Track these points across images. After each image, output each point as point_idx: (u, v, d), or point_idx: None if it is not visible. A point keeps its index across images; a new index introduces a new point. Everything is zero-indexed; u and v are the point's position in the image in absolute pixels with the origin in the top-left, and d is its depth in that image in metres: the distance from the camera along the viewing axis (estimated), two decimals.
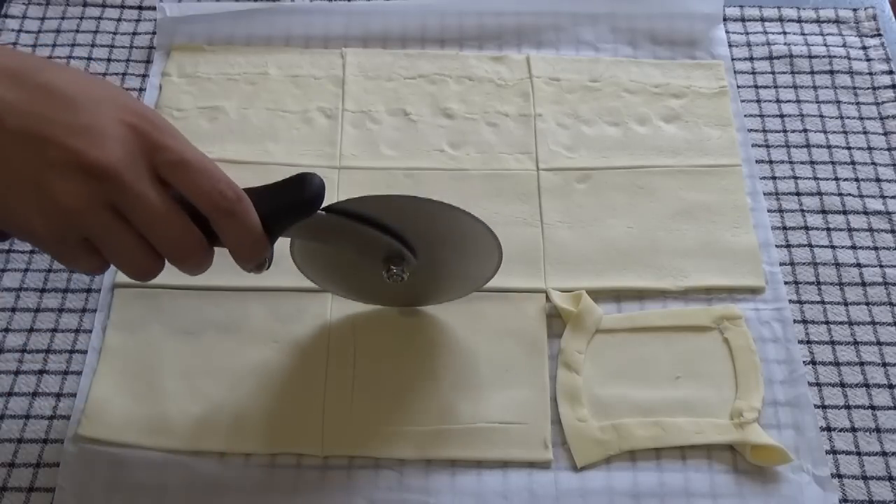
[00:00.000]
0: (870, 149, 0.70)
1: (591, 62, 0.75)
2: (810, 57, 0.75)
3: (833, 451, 0.57)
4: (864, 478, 0.56)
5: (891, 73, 0.74)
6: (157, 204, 0.43)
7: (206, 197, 0.44)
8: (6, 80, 0.42)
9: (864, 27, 0.77)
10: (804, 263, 0.64)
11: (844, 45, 0.76)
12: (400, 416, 0.57)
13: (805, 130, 0.71)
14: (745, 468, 0.56)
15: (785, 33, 0.77)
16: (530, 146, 0.69)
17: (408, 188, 0.66)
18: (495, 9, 0.77)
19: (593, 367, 0.59)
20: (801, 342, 0.61)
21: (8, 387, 0.58)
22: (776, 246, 0.65)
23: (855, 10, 0.79)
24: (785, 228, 0.66)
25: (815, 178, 0.69)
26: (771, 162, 0.70)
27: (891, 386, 0.59)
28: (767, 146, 0.71)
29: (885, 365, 0.60)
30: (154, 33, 0.76)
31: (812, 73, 0.75)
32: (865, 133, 0.71)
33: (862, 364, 0.60)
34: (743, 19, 0.78)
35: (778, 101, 0.73)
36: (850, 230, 0.66)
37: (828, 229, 0.66)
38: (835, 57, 0.75)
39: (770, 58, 0.76)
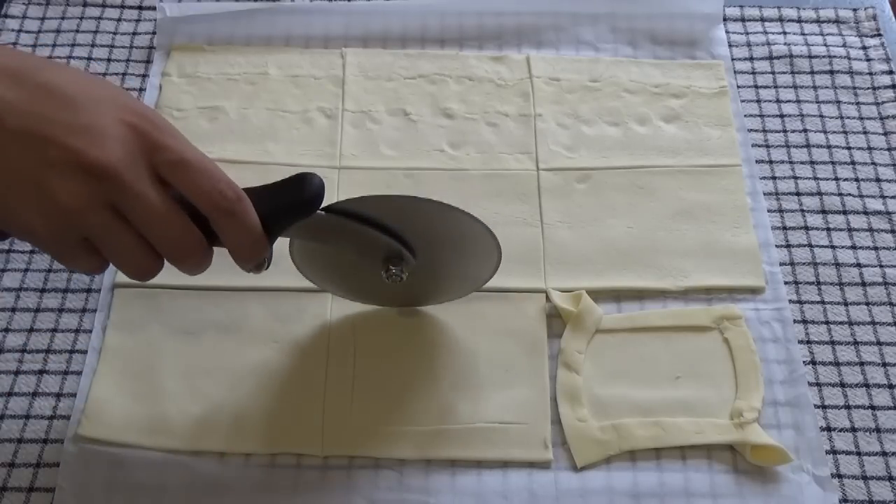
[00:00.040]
0: (870, 149, 0.70)
1: (591, 62, 0.75)
2: (810, 57, 0.75)
3: (833, 451, 0.57)
4: (864, 478, 0.56)
5: (891, 73, 0.74)
6: (157, 203, 0.43)
7: (205, 196, 0.44)
8: (6, 79, 0.42)
9: (864, 27, 0.77)
10: (804, 263, 0.64)
11: (844, 45, 0.76)
12: (400, 416, 0.57)
13: (805, 130, 0.71)
14: (745, 468, 0.56)
15: (785, 33, 0.77)
16: (530, 146, 0.69)
17: (408, 188, 0.66)
18: (495, 9, 0.77)
19: (593, 367, 0.59)
20: (801, 342, 0.61)
21: (8, 387, 0.58)
22: (776, 246, 0.65)
23: (855, 10, 0.79)
24: (785, 228, 0.66)
25: (815, 178, 0.69)
26: (771, 162, 0.70)
27: (891, 386, 0.59)
28: (767, 146, 0.71)
29: (885, 365, 0.60)
30: (154, 33, 0.76)
31: (812, 73, 0.75)
32: (865, 133, 0.71)
33: (862, 364, 0.60)
34: (743, 19, 0.78)
35: (778, 101, 0.73)
36: (850, 230, 0.66)
37: (828, 229, 0.66)
38: (835, 57, 0.75)
39: (770, 58, 0.76)
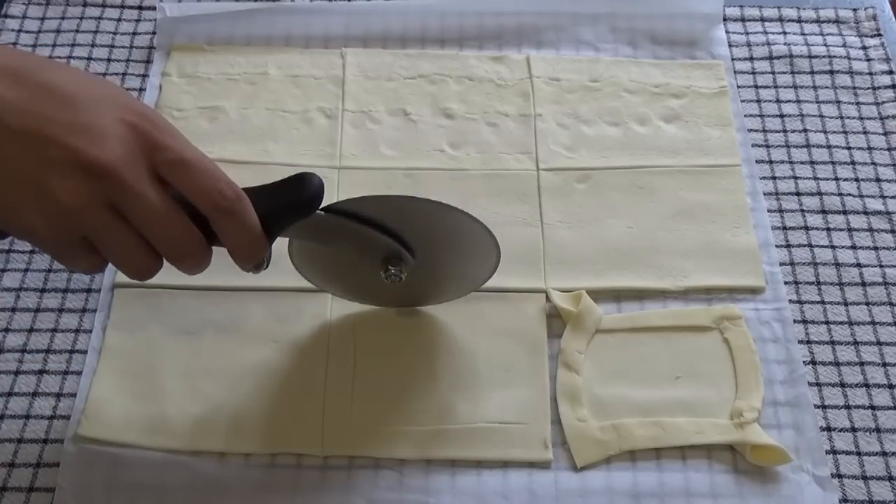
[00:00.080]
0: (870, 149, 0.70)
1: (591, 62, 0.75)
2: (810, 57, 0.75)
3: (833, 451, 0.57)
4: (864, 478, 0.56)
5: (891, 73, 0.74)
6: (157, 203, 0.44)
7: (205, 196, 0.44)
8: (6, 78, 0.42)
9: (864, 27, 0.77)
10: (804, 263, 0.64)
11: (844, 45, 0.76)
12: (400, 416, 0.57)
13: (805, 130, 0.71)
14: (745, 468, 0.56)
15: (785, 33, 0.77)
16: (530, 146, 0.69)
17: (408, 188, 0.66)
18: (495, 9, 0.77)
19: (593, 367, 0.59)
20: (801, 342, 0.61)
21: (8, 387, 0.58)
22: (776, 246, 0.65)
23: (855, 10, 0.79)
24: (785, 228, 0.66)
25: (815, 178, 0.69)
26: (771, 162, 0.70)
27: (891, 386, 0.59)
28: (767, 146, 0.71)
29: (885, 365, 0.60)
30: (154, 33, 0.76)
31: (812, 73, 0.75)
32: (865, 133, 0.71)
33: (862, 364, 0.60)
34: (743, 19, 0.78)
35: (778, 101, 0.73)
36: (850, 230, 0.66)
37: (828, 229, 0.66)
38: (835, 57, 0.75)
39: (770, 58, 0.76)
